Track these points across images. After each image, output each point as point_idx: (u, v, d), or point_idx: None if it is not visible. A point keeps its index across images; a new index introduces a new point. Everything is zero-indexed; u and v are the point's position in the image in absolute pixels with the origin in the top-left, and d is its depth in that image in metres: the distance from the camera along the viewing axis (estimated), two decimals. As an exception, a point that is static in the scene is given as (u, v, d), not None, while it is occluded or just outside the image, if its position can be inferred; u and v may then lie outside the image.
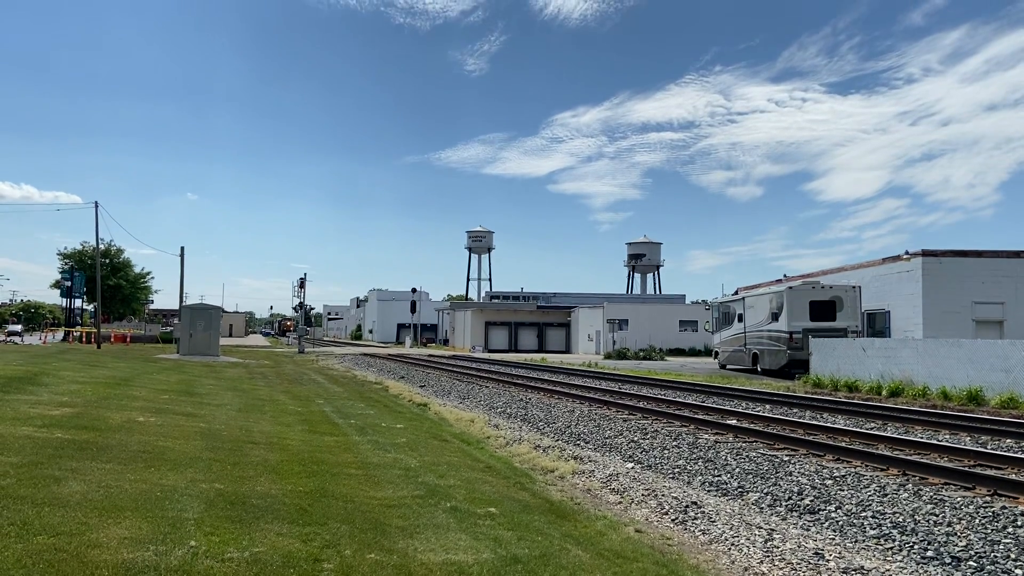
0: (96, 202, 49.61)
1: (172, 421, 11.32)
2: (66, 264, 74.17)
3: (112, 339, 56.46)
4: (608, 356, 54.57)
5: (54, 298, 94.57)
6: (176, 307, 51.80)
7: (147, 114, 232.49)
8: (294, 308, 67.50)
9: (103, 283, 62.83)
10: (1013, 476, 9.29)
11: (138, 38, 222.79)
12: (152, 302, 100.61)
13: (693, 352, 61.13)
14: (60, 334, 65.60)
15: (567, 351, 72.14)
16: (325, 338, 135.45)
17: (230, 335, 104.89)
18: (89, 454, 7.98)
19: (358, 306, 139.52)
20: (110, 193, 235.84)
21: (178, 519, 5.72)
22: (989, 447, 12.22)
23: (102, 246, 66.73)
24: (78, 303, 77.74)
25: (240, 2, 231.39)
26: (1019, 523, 7.38)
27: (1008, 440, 13.04)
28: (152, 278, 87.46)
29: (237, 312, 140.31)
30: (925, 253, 31.99)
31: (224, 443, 9.63)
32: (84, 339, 56.18)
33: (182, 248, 50.84)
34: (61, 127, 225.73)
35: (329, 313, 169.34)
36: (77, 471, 7.08)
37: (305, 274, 70.29)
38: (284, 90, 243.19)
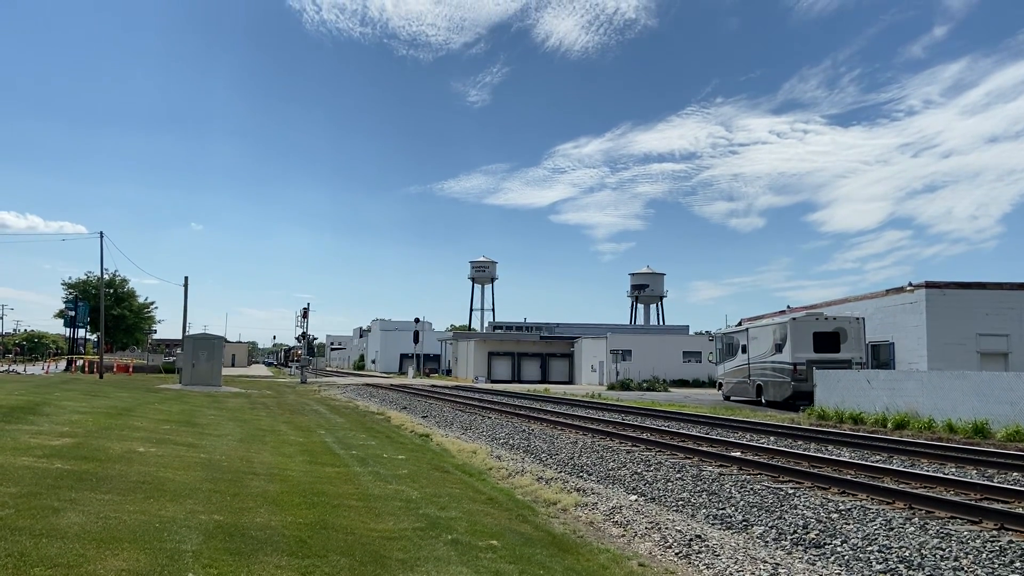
0: (101, 232, 49.82)
1: (172, 451, 11.27)
2: (70, 294, 74.29)
3: (115, 369, 56.32)
4: (611, 387, 54.33)
5: (58, 328, 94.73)
6: (179, 337, 51.82)
7: (152, 145, 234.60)
8: (297, 338, 67.46)
9: (107, 313, 62.92)
10: (1020, 510, 9.18)
11: (142, 68, 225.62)
12: (155, 332, 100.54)
13: (697, 383, 60.84)
14: (63, 364, 65.54)
15: (570, 382, 71.84)
16: (328, 368, 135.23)
17: (233, 365, 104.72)
18: (88, 485, 7.94)
19: (361, 336, 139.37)
20: (115, 223, 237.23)
21: (176, 551, 5.67)
22: (995, 480, 12.10)
23: (106, 276, 66.93)
24: (81, 333, 77.76)
25: (243, 33, 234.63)
26: (1027, 558, 7.28)
27: (1015, 473, 12.91)
28: (156, 308, 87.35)
29: (240, 342, 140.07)
30: (929, 285, 31.95)
31: (224, 474, 9.57)
32: (87, 369, 56.10)
33: (186, 278, 51.02)
34: (68, 157, 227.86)
35: (332, 343, 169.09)
36: (76, 502, 7.04)
37: (308, 304, 70.44)
38: (288, 121, 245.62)
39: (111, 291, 74.04)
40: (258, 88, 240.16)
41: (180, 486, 8.35)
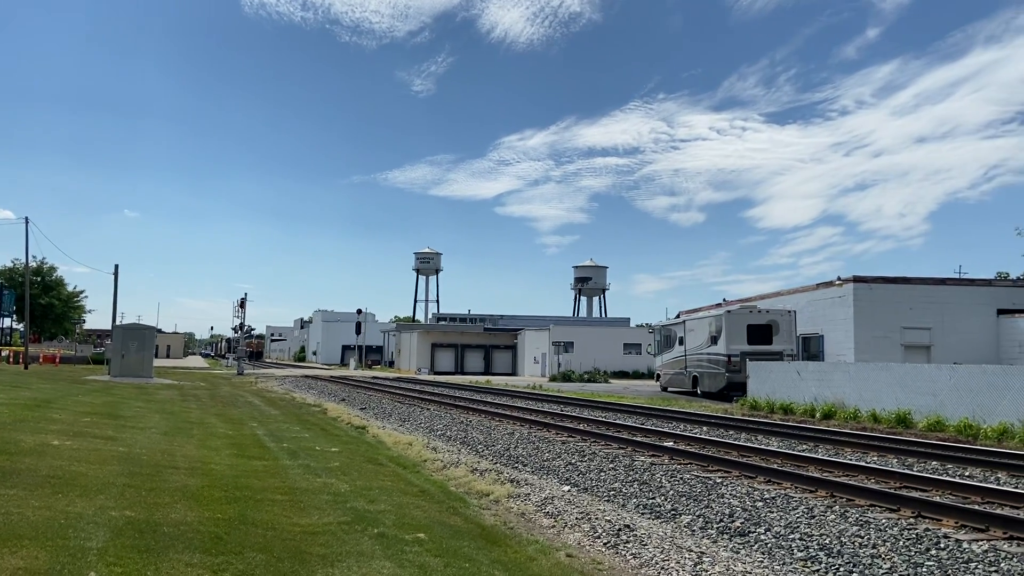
0: (27, 218, 47.77)
1: (89, 445, 10.83)
2: (-6, 281, 71.18)
3: (41, 360, 54.29)
4: (553, 379, 54.63)
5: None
6: (110, 327, 50.10)
7: (82, 127, 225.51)
8: (234, 329, 65.95)
9: (34, 302, 60.56)
10: (937, 499, 9.49)
11: (72, 50, 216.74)
12: (84, 322, 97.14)
13: (637, 375, 61.64)
14: (-16, 354, 62.78)
15: (513, 373, 72.00)
16: (267, 360, 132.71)
17: (167, 356, 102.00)
18: (-8, 480, 7.55)
19: (302, 327, 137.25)
20: (43, 209, 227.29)
21: (80, 548, 5.41)
22: (915, 469, 12.51)
23: (34, 264, 64.33)
24: (7, 322, 74.77)
25: (178, 12, 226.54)
26: (942, 545, 7.50)
27: (933, 462, 13.38)
28: (86, 297, 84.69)
29: (175, 333, 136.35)
30: (856, 279, 32.95)
31: (143, 468, 9.23)
32: (11, 359, 53.88)
33: (116, 266, 49.34)
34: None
35: (272, 334, 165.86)
36: (-24, 498, 6.68)
37: (246, 294, 68.87)
38: (226, 106, 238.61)
39: (38, 279, 71.33)
40: (194, 71, 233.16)
41: (93, 481, 8.01)
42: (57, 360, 56.43)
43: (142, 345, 36.53)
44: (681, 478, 11.34)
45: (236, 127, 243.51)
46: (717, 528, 8.45)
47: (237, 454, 11.57)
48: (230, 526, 6.59)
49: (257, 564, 5.52)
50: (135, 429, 13.68)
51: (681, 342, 35.72)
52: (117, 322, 47.80)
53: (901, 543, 7.63)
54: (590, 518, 8.87)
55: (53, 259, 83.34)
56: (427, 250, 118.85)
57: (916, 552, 7.34)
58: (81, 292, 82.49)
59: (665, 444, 14.77)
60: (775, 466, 11.99)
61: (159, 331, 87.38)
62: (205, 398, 25.25)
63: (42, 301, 71.44)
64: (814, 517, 8.77)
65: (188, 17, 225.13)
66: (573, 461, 13.17)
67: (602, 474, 11.89)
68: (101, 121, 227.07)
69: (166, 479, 8.64)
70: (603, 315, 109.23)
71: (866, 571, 6.82)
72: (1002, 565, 6.87)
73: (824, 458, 12.94)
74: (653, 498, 10.07)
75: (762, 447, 14.48)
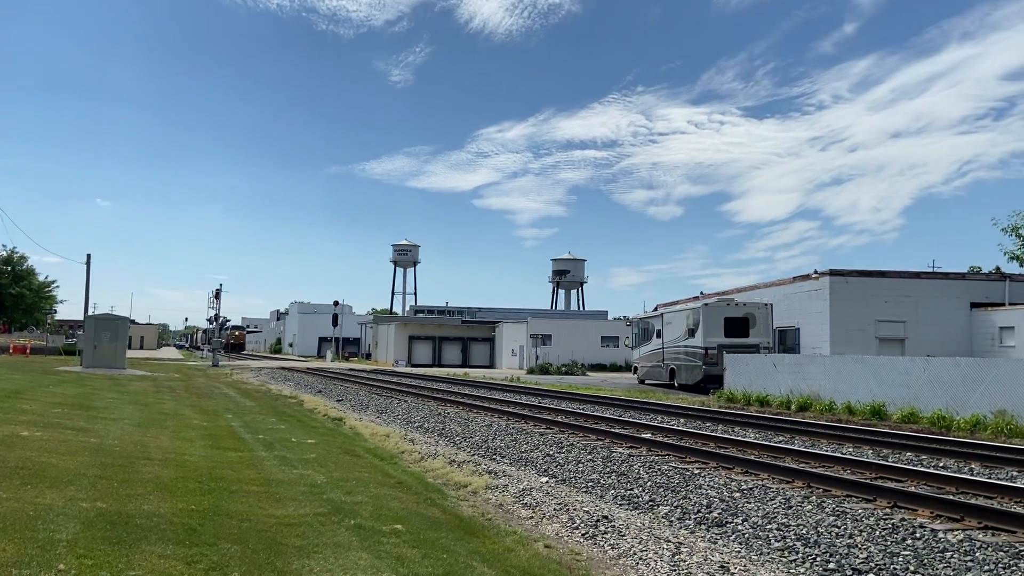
0: (-5, 205, 47.05)
1: (60, 436, 10.63)
2: (-38, 271, 69.92)
3: (11, 350, 53.43)
4: (531, 371, 54.67)
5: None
6: (82, 317, 49.35)
7: (53, 116, 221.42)
8: (208, 320, 65.30)
9: (4, 292, 59.55)
10: (912, 489, 9.59)
11: (42, 35, 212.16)
12: (56, 312, 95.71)
13: (614, 367, 61.84)
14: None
15: (491, 366, 71.99)
16: (245, 352, 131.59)
17: (141, 347, 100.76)
18: (-42, 472, 7.37)
19: (278, 319, 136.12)
20: (14, 197, 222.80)
21: (49, 540, 5.28)
22: (890, 460, 12.64)
23: (4, 253, 63.25)
24: (-25, 312, 73.45)
25: (151, 1, 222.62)
26: (917, 535, 7.57)
27: (908, 453, 13.52)
28: (57, 287, 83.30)
29: (149, 324, 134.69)
30: (832, 273, 33.29)
31: (115, 459, 9.07)
32: (-21, 350, 52.98)
33: (88, 255, 48.65)
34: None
35: (248, 326, 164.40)
36: (-59, 490, 6.51)
37: (221, 285, 68.14)
38: (200, 94, 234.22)
39: (9, 269, 70.23)
40: (168, 58, 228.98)
41: (63, 472, 7.85)
42: (28, 351, 55.52)
43: (115, 336, 36.03)
44: (659, 469, 11.36)
45: (211, 115, 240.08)
46: (695, 519, 8.47)
47: (212, 445, 11.42)
48: (204, 517, 6.49)
49: (232, 555, 5.42)
50: (107, 420, 13.46)
51: (659, 335, 35.86)
52: (89, 312, 47.10)
53: (877, 533, 7.69)
54: (568, 509, 8.86)
55: (24, 248, 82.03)
56: (405, 242, 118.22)
57: (892, 542, 7.39)
58: (52, 282, 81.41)
59: (643, 436, 14.80)
60: (752, 457, 12.05)
61: (132, 322, 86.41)
62: (179, 389, 24.96)
63: (12, 291, 70.30)
64: (791, 508, 8.81)
65: (161, 2, 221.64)
66: (551, 453, 13.16)
67: (580, 465, 11.88)
68: (72, 108, 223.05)
69: (139, 470, 8.49)
70: (581, 308, 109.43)
71: (843, 561, 6.87)
72: (977, 554, 6.95)
73: (800, 449, 13.03)
74: (631, 489, 10.07)
75: (739, 439, 14.57)
